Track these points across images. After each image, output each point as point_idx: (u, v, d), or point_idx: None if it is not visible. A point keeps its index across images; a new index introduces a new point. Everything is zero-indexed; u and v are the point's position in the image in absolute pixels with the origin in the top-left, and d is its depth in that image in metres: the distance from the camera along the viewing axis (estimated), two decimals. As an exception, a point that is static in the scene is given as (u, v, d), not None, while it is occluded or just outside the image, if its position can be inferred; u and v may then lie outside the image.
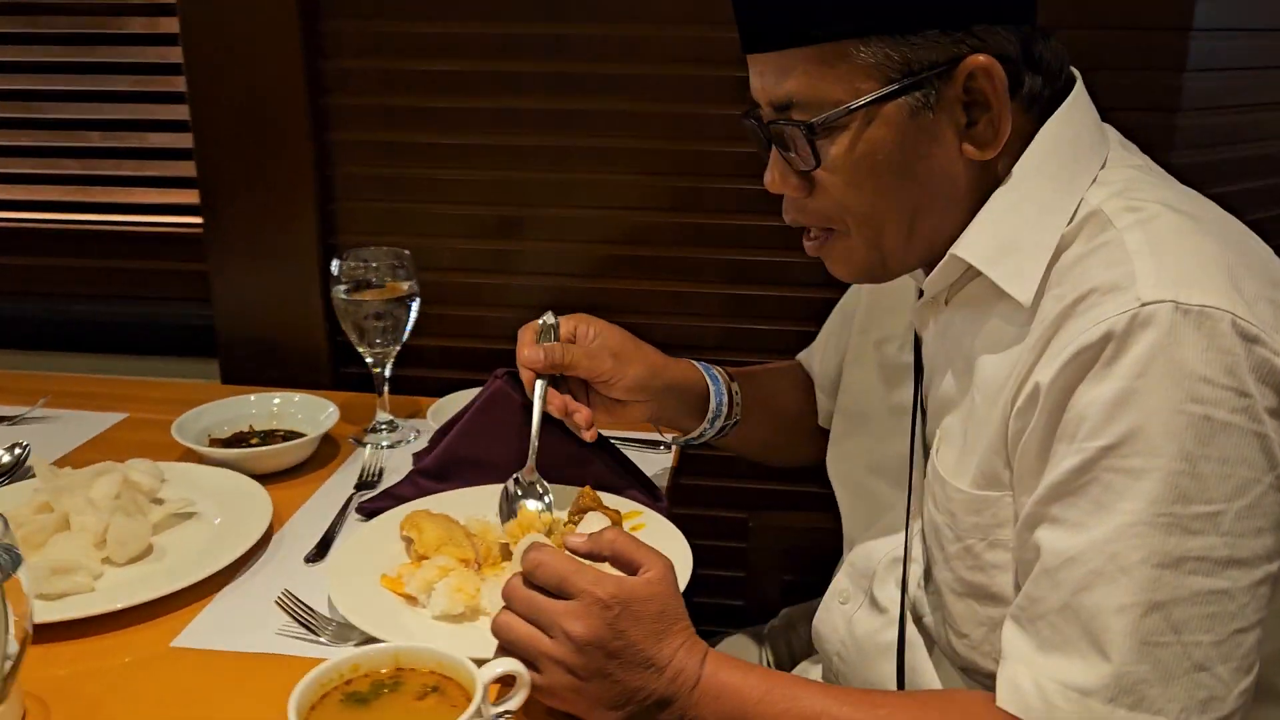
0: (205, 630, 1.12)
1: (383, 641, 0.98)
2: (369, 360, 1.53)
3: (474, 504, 1.29)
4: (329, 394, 1.60)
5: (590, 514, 1.17)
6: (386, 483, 1.42)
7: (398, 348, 1.52)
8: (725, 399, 1.36)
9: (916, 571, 1.11)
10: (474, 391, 1.57)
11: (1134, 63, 1.56)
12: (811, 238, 1.08)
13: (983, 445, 0.98)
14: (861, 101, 0.95)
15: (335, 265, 1.48)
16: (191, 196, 1.94)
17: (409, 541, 1.21)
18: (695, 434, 1.37)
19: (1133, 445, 0.84)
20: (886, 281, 1.12)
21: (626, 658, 0.94)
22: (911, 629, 1.12)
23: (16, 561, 0.76)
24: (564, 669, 0.94)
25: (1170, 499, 0.83)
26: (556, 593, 0.95)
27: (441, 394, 1.65)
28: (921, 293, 1.12)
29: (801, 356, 1.51)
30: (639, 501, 1.30)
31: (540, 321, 1.30)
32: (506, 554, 1.19)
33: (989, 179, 1.00)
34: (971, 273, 1.01)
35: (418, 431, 1.58)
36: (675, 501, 1.40)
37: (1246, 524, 0.83)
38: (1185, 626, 0.83)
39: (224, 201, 1.79)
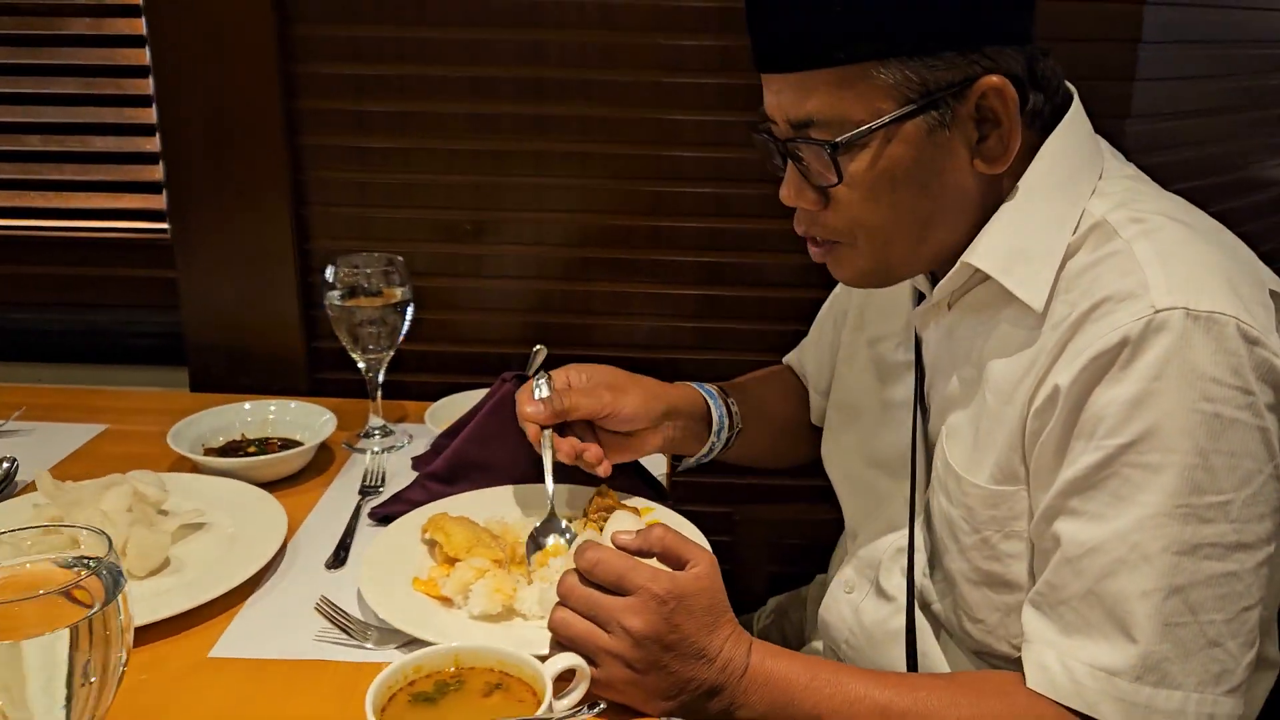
0: (241, 639, 1.13)
1: (429, 644, 1.00)
2: (362, 366, 1.54)
3: (489, 506, 1.32)
4: (316, 400, 1.60)
5: (617, 512, 1.20)
6: (391, 487, 1.43)
7: (391, 353, 1.53)
8: (725, 413, 1.39)
9: (921, 560, 1.17)
10: (464, 395, 1.60)
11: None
12: (818, 244, 1.12)
13: (1000, 442, 1.04)
14: (882, 121, 0.99)
15: (329, 271, 1.49)
16: (144, 201, 1.92)
17: (433, 544, 1.23)
18: (704, 452, 1.40)
19: (1150, 442, 0.91)
20: (889, 286, 1.18)
21: (681, 650, 0.98)
22: (919, 616, 1.17)
23: (120, 579, 0.76)
24: (622, 663, 0.98)
25: (1187, 491, 0.90)
26: (614, 589, 0.99)
27: (421, 399, 1.67)
28: (922, 296, 1.18)
29: (789, 359, 1.56)
30: (649, 500, 1.34)
31: (531, 369, 1.34)
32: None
33: (995, 191, 1.06)
34: (978, 278, 1.07)
35: (410, 436, 1.59)
36: (663, 500, 1.43)
37: (1251, 511, 0.91)
38: (1201, 607, 0.91)
39: (193, 207, 1.76)
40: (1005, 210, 1.05)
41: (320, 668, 1.08)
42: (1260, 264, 1.04)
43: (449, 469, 1.38)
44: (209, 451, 1.48)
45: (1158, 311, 0.91)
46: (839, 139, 1.00)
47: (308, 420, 1.54)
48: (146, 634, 1.11)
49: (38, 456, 1.49)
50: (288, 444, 1.51)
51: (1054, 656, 0.95)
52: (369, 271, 1.50)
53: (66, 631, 0.73)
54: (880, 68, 0.98)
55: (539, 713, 0.90)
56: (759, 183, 1.68)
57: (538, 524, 1.25)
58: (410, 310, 1.51)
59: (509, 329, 1.84)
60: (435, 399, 1.62)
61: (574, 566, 1.03)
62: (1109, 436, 0.93)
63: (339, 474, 1.50)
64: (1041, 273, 1.02)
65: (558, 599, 1.03)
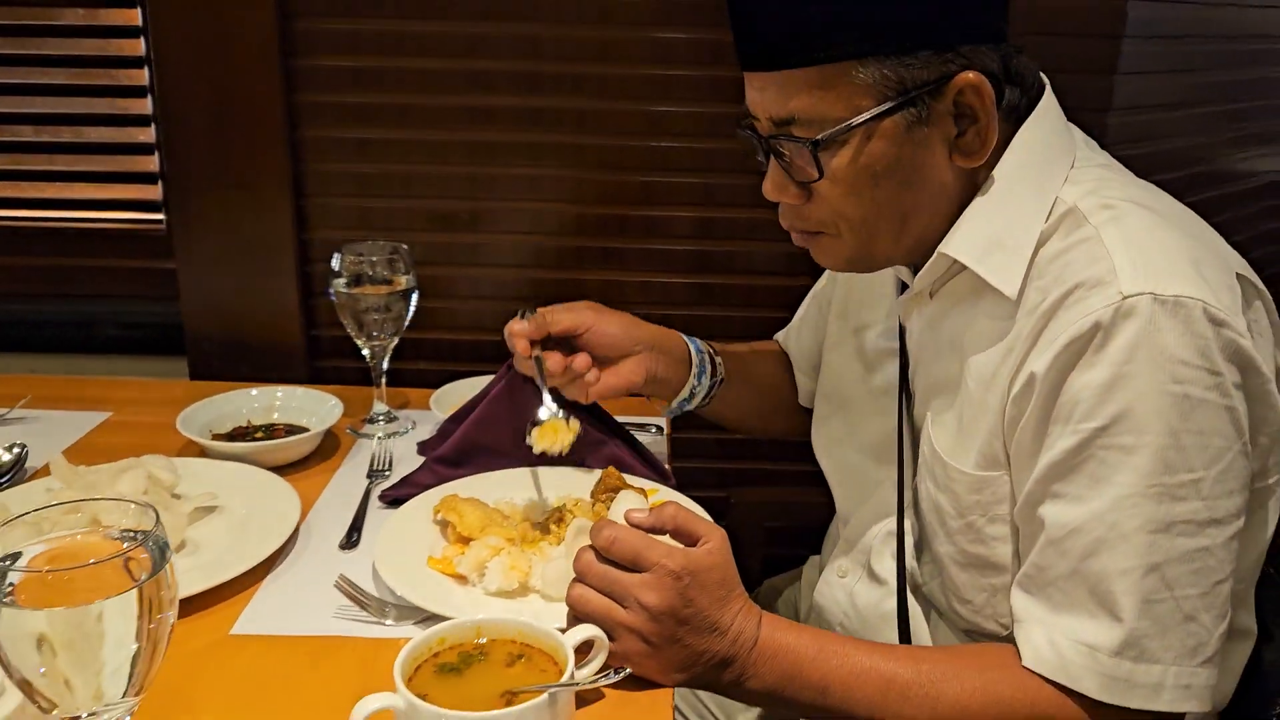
0: (261, 617, 1.15)
1: (446, 619, 1.03)
2: (366, 353, 1.56)
3: (497, 487, 1.35)
4: (320, 388, 1.63)
5: (624, 492, 1.24)
6: (399, 471, 1.46)
7: (396, 339, 1.56)
8: (708, 361, 1.43)
9: (911, 544, 1.21)
10: (468, 381, 1.63)
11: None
12: (800, 233, 1.15)
13: (982, 429, 1.08)
14: (862, 119, 1.02)
15: (335, 259, 1.51)
16: (139, 191, 1.93)
17: (445, 525, 1.26)
18: (685, 393, 1.43)
19: (1123, 425, 0.95)
20: (873, 272, 1.23)
21: (695, 624, 1.02)
22: (910, 598, 1.21)
23: (166, 549, 0.80)
24: (639, 637, 1.01)
25: (1159, 470, 0.94)
26: (630, 566, 1.03)
27: (419, 386, 1.70)
28: (905, 286, 1.22)
29: (779, 336, 1.60)
30: (653, 481, 1.38)
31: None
32: (545, 530, 1.25)
33: (971, 182, 1.09)
34: (956, 268, 1.11)
35: (414, 421, 1.62)
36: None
37: (1221, 487, 0.95)
38: (1177, 583, 0.95)
39: (193, 197, 1.78)
40: (980, 200, 1.08)
41: (340, 643, 1.11)
42: (1227, 247, 1.07)
43: (457, 452, 1.41)
44: (217, 437, 1.50)
45: (1126, 298, 0.95)
46: (820, 136, 1.03)
47: (314, 406, 1.57)
48: (167, 613, 1.13)
49: (44, 444, 1.49)
50: (293, 430, 1.54)
51: (1042, 633, 0.99)
52: (374, 259, 1.52)
53: (135, 591, 0.77)
54: (859, 67, 1.01)
55: (563, 679, 0.93)
56: (748, 173, 1.71)
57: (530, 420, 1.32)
58: (415, 297, 1.54)
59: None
60: (433, 386, 1.65)
61: (590, 544, 1.06)
62: (1084, 420, 0.96)
63: (346, 459, 1.52)
64: (1015, 261, 1.05)
65: (574, 575, 1.06)
